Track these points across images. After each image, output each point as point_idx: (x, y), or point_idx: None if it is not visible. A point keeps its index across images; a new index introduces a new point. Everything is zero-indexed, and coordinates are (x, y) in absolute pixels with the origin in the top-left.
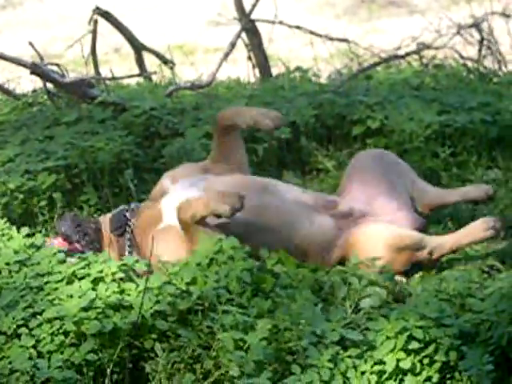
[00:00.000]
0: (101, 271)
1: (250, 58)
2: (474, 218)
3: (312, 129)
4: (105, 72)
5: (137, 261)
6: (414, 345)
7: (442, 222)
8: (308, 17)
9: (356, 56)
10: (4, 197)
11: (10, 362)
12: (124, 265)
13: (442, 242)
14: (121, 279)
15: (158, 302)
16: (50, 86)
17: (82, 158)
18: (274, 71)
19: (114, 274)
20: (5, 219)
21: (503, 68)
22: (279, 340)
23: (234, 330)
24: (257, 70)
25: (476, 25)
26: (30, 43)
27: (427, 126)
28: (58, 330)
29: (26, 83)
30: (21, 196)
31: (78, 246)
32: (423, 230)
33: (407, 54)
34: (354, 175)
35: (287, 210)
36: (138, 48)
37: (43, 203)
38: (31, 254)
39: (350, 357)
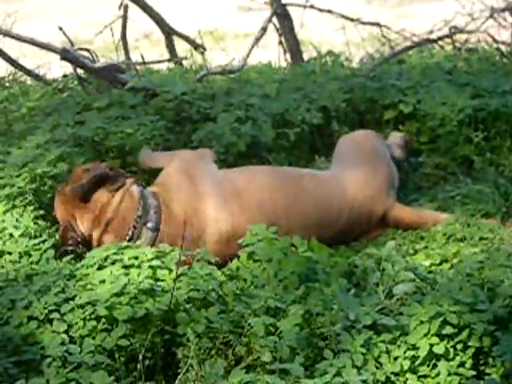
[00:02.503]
0: (135, 257)
1: (281, 42)
2: None
3: (343, 113)
4: (135, 57)
5: (173, 249)
6: (448, 330)
7: None
8: (339, 1)
9: (388, 40)
10: (34, 182)
11: (42, 348)
12: (159, 251)
13: None
14: (157, 267)
15: (191, 287)
16: (80, 71)
17: (112, 142)
18: (306, 56)
19: (149, 260)
20: (35, 205)
21: None
22: (312, 325)
23: (265, 315)
24: (288, 55)
25: (509, 8)
26: (61, 29)
27: (460, 110)
28: (90, 315)
29: (56, 69)
30: (49, 182)
31: None
32: None
33: (440, 38)
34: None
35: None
36: (169, 33)
37: None
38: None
39: (383, 342)
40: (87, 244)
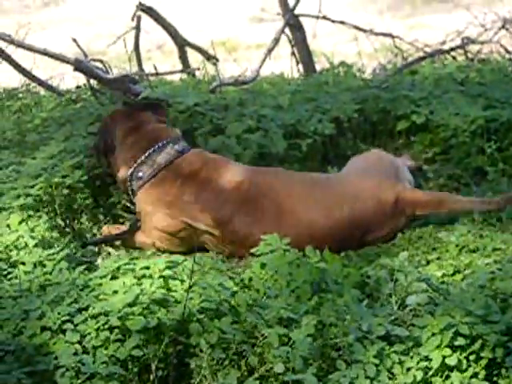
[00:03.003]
0: (147, 267)
1: (293, 53)
2: None
3: (356, 124)
4: (148, 68)
5: (185, 259)
6: (461, 341)
7: None
8: (351, 12)
9: (400, 51)
10: (48, 192)
11: (55, 358)
12: (171, 261)
13: None
14: (168, 277)
15: (203, 298)
16: (93, 82)
17: None
18: (318, 67)
19: (161, 270)
20: (50, 215)
21: None
22: (324, 336)
23: (278, 325)
24: (300, 66)
25: None
26: (74, 40)
27: (473, 120)
28: (103, 325)
29: (69, 80)
30: (64, 191)
31: None
32: None
33: (452, 49)
34: None
35: None
36: (182, 44)
37: (87, 199)
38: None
39: (395, 353)
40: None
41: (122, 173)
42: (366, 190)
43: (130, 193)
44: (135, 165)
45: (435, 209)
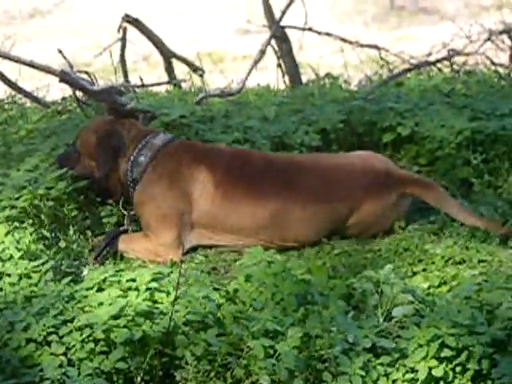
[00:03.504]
0: (133, 279)
1: (279, 65)
2: None
3: (342, 136)
4: (134, 80)
5: (171, 271)
6: (447, 353)
7: None
8: (337, 24)
9: (386, 63)
10: (34, 204)
11: (40, 370)
12: (157, 273)
13: None
14: (154, 289)
15: (189, 310)
16: (79, 93)
17: None
18: (304, 78)
19: (146, 282)
20: (35, 226)
21: None
22: (310, 348)
23: (264, 337)
24: (286, 77)
25: (507, 31)
26: (60, 51)
27: (458, 132)
28: (87, 337)
29: (55, 91)
30: (49, 203)
31: None
32: None
33: (438, 61)
34: None
35: None
36: (168, 55)
37: (73, 210)
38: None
39: (381, 364)
40: None
41: (123, 166)
42: (360, 158)
43: (130, 185)
44: (136, 151)
45: (424, 191)
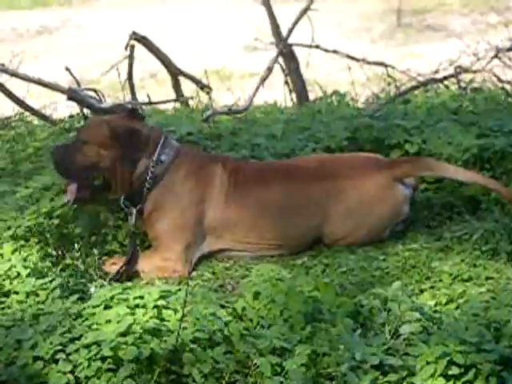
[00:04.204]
0: (140, 297)
1: (287, 82)
2: None
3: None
4: (141, 97)
5: (179, 289)
6: (454, 370)
7: None
8: (344, 41)
9: (393, 80)
10: (40, 222)
11: None
12: (165, 291)
13: None
14: (162, 307)
15: (196, 327)
16: (86, 111)
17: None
18: (311, 95)
19: (154, 300)
20: (42, 244)
21: None
22: (318, 365)
23: (271, 355)
24: (294, 95)
25: None
26: (67, 68)
27: (466, 149)
28: (95, 355)
29: (62, 109)
30: (56, 221)
31: None
32: None
33: (445, 78)
34: None
35: None
36: (175, 73)
37: (78, 227)
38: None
39: (389, 382)
40: None
41: (143, 162)
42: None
43: (146, 184)
44: (159, 148)
45: (415, 165)
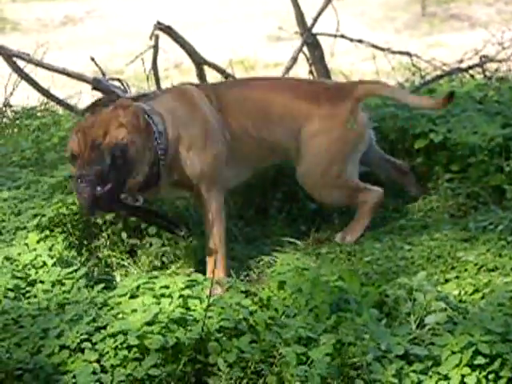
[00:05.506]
0: (166, 286)
1: (311, 72)
2: None
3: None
4: (166, 87)
5: (205, 279)
6: (480, 360)
7: None
8: (369, 31)
9: (418, 69)
10: (65, 211)
11: (73, 377)
12: (190, 280)
13: None
14: (187, 296)
15: (222, 317)
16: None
17: None
18: None
19: (180, 289)
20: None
21: None
22: (343, 355)
23: (296, 344)
24: None
25: None
26: (92, 59)
27: (491, 139)
28: (121, 344)
29: (87, 98)
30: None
31: None
32: None
33: (470, 67)
34: None
35: None
36: (199, 62)
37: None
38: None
39: (414, 372)
40: None
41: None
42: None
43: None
44: (151, 124)
45: (375, 86)
